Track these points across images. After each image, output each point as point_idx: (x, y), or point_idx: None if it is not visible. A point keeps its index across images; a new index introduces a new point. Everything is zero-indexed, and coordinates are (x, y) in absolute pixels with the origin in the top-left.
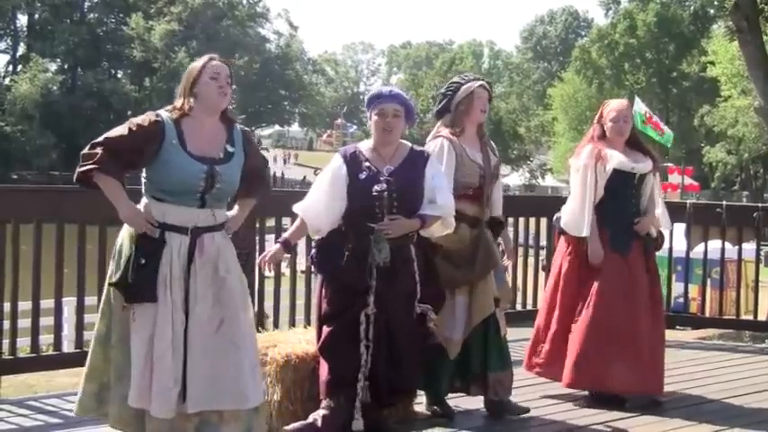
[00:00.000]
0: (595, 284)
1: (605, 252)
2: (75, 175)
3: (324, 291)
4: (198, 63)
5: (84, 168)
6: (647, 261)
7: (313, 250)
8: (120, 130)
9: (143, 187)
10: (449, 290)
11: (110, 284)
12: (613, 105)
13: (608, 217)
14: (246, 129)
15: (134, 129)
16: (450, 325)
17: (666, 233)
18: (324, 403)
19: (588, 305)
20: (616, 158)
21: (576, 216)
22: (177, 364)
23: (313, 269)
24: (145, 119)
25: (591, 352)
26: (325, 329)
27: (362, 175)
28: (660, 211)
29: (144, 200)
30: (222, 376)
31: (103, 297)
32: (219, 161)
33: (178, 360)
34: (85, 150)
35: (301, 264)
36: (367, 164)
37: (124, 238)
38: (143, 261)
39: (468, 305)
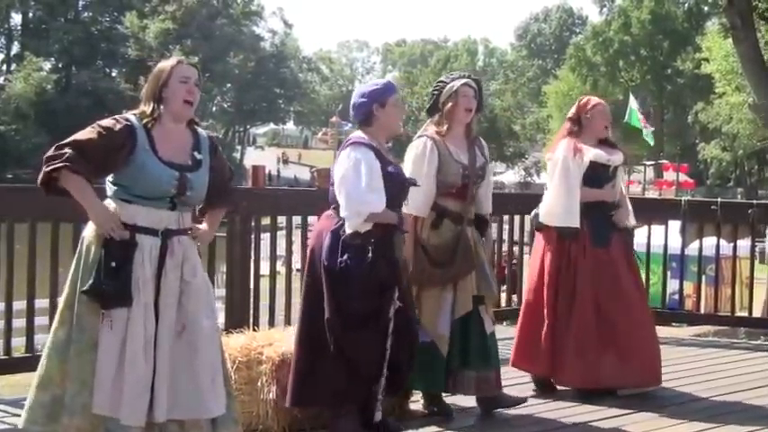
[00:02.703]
0: (579, 280)
1: (587, 247)
2: (39, 178)
3: (354, 289)
4: (166, 65)
5: (51, 167)
6: (628, 254)
7: (326, 251)
8: (89, 134)
9: (108, 191)
10: (438, 287)
11: (82, 292)
12: (597, 100)
13: (587, 211)
14: (213, 135)
15: (104, 132)
16: (440, 321)
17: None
18: (344, 410)
19: (574, 302)
20: (593, 151)
21: (561, 206)
22: (149, 369)
23: (339, 268)
24: (115, 123)
25: (582, 350)
26: (356, 332)
27: (391, 168)
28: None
29: (108, 201)
30: (182, 384)
31: (64, 302)
32: (189, 168)
33: (149, 366)
34: (50, 152)
35: (297, 262)
36: (389, 157)
37: (90, 240)
38: (114, 264)
39: (452, 301)
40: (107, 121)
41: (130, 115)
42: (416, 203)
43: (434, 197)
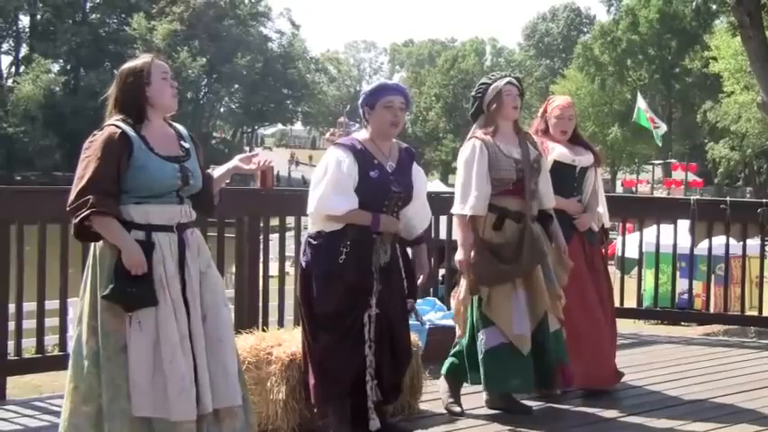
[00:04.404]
0: None
1: None
2: (73, 231)
3: (317, 290)
4: (144, 64)
5: (80, 217)
6: (591, 256)
7: (304, 247)
8: (95, 163)
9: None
10: (509, 285)
11: (103, 297)
12: (558, 102)
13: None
14: (188, 130)
15: (106, 153)
16: (516, 320)
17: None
18: (325, 411)
19: None
20: (557, 150)
21: None
22: (189, 363)
23: (304, 266)
24: (110, 136)
25: None
26: (325, 332)
27: (374, 173)
28: (602, 210)
29: (123, 208)
30: (215, 373)
31: (88, 311)
32: (184, 158)
33: (189, 359)
34: (72, 201)
35: None
36: (375, 160)
37: (103, 246)
38: None
39: (528, 299)
40: (103, 137)
41: (117, 122)
42: (472, 204)
43: (490, 197)
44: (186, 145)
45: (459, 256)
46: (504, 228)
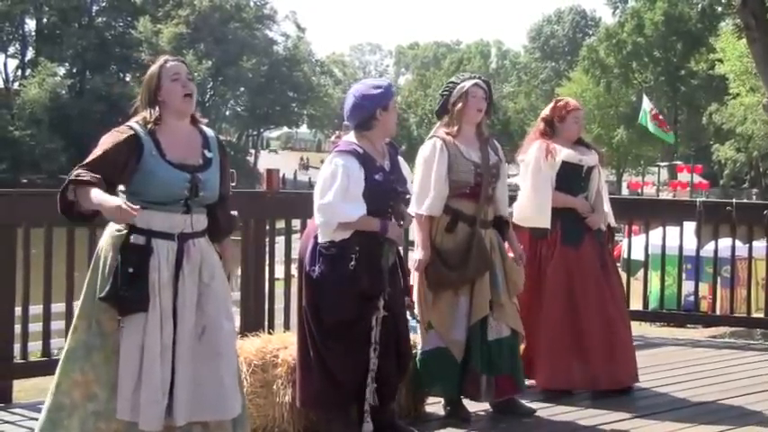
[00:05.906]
0: (549, 281)
1: (557, 247)
2: (58, 206)
3: (330, 298)
4: (154, 68)
5: (61, 188)
6: (602, 254)
7: (315, 256)
8: (99, 152)
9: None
10: (452, 291)
11: (100, 299)
12: (573, 105)
13: (558, 210)
14: (218, 135)
15: (111, 147)
16: (454, 326)
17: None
18: (331, 415)
19: (543, 303)
20: (565, 152)
21: (532, 207)
22: (165, 374)
23: (315, 276)
24: (119, 135)
25: (551, 352)
26: (335, 341)
27: (378, 176)
28: (607, 208)
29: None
30: (205, 386)
31: (79, 312)
32: (200, 168)
33: (166, 370)
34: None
35: None
36: (377, 163)
37: (107, 249)
38: (131, 270)
39: (468, 305)
40: (111, 136)
41: (133, 123)
42: (428, 204)
43: (447, 198)
44: (209, 154)
45: (417, 255)
46: (457, 230)
